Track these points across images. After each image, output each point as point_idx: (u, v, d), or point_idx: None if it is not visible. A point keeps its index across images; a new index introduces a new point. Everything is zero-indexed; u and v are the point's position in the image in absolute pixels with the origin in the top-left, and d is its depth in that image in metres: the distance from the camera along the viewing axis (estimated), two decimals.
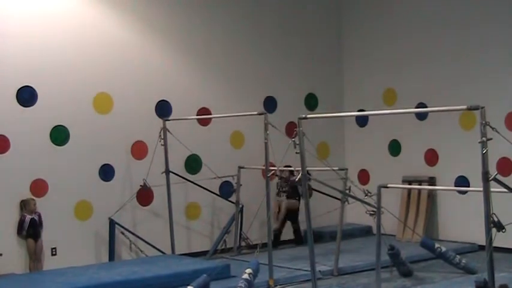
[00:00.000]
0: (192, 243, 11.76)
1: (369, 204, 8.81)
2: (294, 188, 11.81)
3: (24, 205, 10.01)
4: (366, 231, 12.82)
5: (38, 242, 10.04)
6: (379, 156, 13.01)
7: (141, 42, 11.37)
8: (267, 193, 9.33)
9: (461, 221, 11.67)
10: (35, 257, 10.01)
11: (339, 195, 10.03)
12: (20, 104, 10.22)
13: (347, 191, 9.65)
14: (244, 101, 12.13)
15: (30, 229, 9.96)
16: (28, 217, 9.96)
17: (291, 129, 10.51)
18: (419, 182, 12.11)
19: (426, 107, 11.63)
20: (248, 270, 8.54)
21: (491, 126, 6.26)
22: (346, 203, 9.93)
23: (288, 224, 12.13)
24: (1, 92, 10.07)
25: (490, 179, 6.30)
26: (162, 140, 10.76)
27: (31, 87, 10.28)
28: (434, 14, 12.13)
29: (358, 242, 12.17)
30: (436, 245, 9.78)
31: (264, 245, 9.91)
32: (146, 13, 11.42)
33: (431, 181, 12.09)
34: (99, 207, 10.77)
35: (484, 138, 6.22)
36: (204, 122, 11.87)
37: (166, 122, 10.85)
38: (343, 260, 10.14)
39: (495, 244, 6.40)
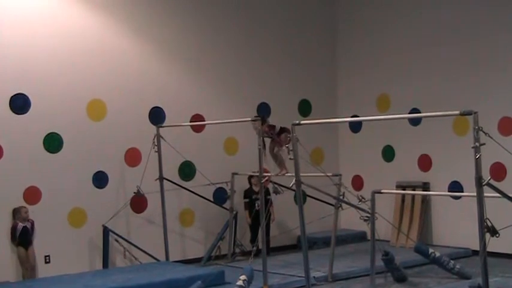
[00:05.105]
0: (186, 250, 11.75)
1: (362, 210, 8.82)
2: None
3: (16, 213, 9.98)
4: (360, 237, 12.83)
5: (29, 250, 9.99)
6: (372, 162, 13.02)
7: (134, 49, 11.37)
8: (261, 199, 9.33)
9: (455, 226, 11.69)
10: (27, 265, 9.96)
11: (333, 201, 10.03)
12: (13, 112, 10.20)
13: (341, 197, 9.65)
14: (238, 107, 12.13)
15: (21, 237, 9.93)
16: (20, 225, 9.93)
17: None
18: (413, 188, 12.13)
19: (420, 112, 11.66)
20: (242, 277, 8.53)
21: (484, 132, 6.29)
22: (340, 208, 9.93)
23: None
24: None
25: (484, 184, 6.32)
26: (156, 147, 10.74)
27: (24, 94, 10.27)
28: (428, 20, 12.16)
29: (352, 247, 12.18)
30: (430, 250, 9.79)
31: (259, 252, 9.93)
32: (140, 21, 11.42)
33: (425, 186, 12.12)
34: (93, 214, 10.75)
35: (477, 144, 6.24)
36: (197, 129, 11.87)
37: (160, 128, 10.84)
38: (337, 265, 10.13)
39: (489, 249, 6.42)
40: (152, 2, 11.61)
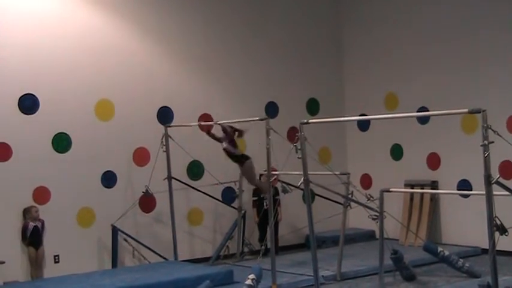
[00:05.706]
0: (194, 250, 11.76)
1: (371, 209, 8.80)
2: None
3: (26, 213, 10.01)
4: (368, 236, 12.82)
5: (39, 250, 10.03)
6: (381, 161, 13.00)
7: (142, 49, 11.39)
8: (270, 198, 9.33)
9: (463, 225, 11.66)
10: (36, 265, 9.99)
11: (341, 200, 10.03)
12: (22, 112, 10.24)
13: (349, 196, 9.64)
14: (245, 107, 12.14)
15: (31, 237, 9.96)
16: (31, 224, 9.96)
17: (292, 134, 10.53)
18: (422, 186, 12.11)
19: (428, 111, 11.63)
20: (251, 276, 8.52)
21: (493, 130, 6.26)
22: (349, 207, 9.92)
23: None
24: (3, 100, 10.10)
25: (493, 182, 6.29)
26: (164, 146, 10.76)
27: (33, 94, 10.30)
28: (435, 18, 12.13)
29: (360, 246, 12.17)
30: (439, 249, 9.76)
31: (267, 251, 9.93)
32: (148, 20, 11.44)
33: (434, 185, 12.09)
34: (102, 214, 10.77)
35: (485, 142, 6.21)
36: (205, 128, 11.86)
37: (168, 128, 10.86)
38: (346, 264, 10.12)
39: (498, 247, 6.40)
40: (160, 1, 11.62)
